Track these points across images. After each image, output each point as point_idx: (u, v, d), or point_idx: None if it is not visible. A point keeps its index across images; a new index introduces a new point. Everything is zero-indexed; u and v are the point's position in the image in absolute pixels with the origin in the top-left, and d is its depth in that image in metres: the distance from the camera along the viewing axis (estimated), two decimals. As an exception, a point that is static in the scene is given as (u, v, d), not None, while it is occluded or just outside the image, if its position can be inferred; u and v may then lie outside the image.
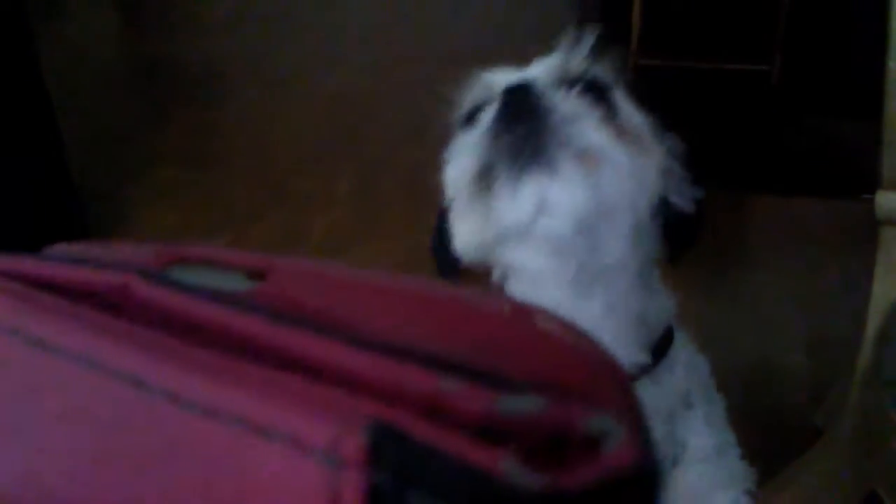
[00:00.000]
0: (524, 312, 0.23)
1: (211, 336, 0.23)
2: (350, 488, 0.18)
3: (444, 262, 0.77)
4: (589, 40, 0.72)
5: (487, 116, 0.65)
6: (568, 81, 0.66)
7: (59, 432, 0.23)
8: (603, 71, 0.70)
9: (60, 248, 0.31)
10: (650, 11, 2.78)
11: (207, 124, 2.85)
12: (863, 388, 1.03)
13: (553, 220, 0.63)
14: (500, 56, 3.19)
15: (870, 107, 1.63)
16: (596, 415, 0.20)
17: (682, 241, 0.74)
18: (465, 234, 0.70)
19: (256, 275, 0.26)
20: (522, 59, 0.84)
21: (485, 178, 0.64)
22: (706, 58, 2.82)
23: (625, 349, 0.71)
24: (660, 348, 0.74)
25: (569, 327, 0.23)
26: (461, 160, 0.68)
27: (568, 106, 0.63)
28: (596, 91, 0.67)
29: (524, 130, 0.61)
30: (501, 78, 0.70)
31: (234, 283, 0.26)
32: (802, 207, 2.26)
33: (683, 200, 0.74)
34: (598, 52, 0.71)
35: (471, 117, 0.70)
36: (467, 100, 0.73)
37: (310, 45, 3.41)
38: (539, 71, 0.68)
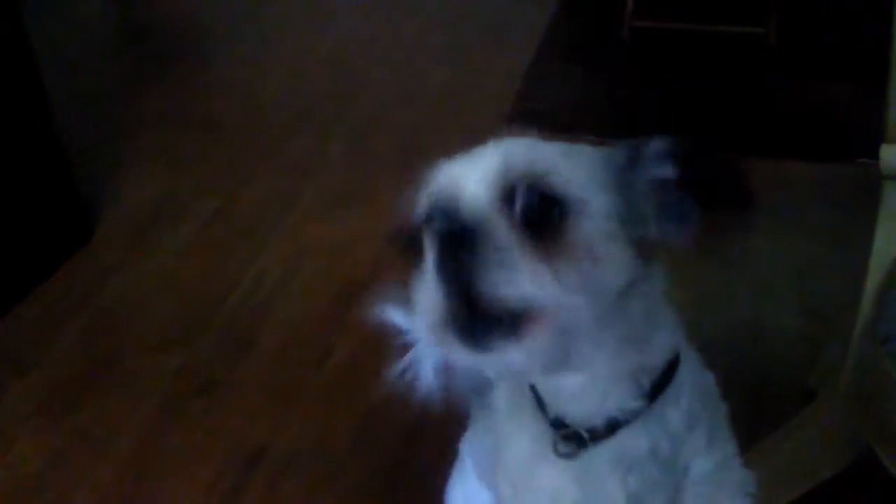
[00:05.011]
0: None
1: None
2: None
3: None
4: (531, 134, 0.65)
5: (429, 261, 0.59)
6: (510, 199, 0.59)
7: None
8: (552, 171, 0.60)
9: None
10: (646, -27, 2.75)
11: (196, 85, 2.81)
12: (860, 344, 1.02)
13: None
14: (487, 18, 3.16)
15: (866, 70, 1.62)
16: None
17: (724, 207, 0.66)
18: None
19: None
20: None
21: (442, 328, 0.59)
22: (702, 20, 2.79)
23: (616, 401, 0.68)
24: (659, 386, 0.70)
25: None
26: (423, 293, 0.61)
27: (504, 255, 0.56)
28: (542, 205, 0.59)
29: (463, 301, 0.56)
30: (452, 181, 0.62)
31: None
32: (797, 171, 2.24)
33: (676, 230, 0.65)
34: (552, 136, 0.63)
35: (426, 221, 0.63)
36: (425, 197, 0.65)
37: (298, 6, 3.36)
38: (481, 185, 0.60)
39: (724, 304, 1.81)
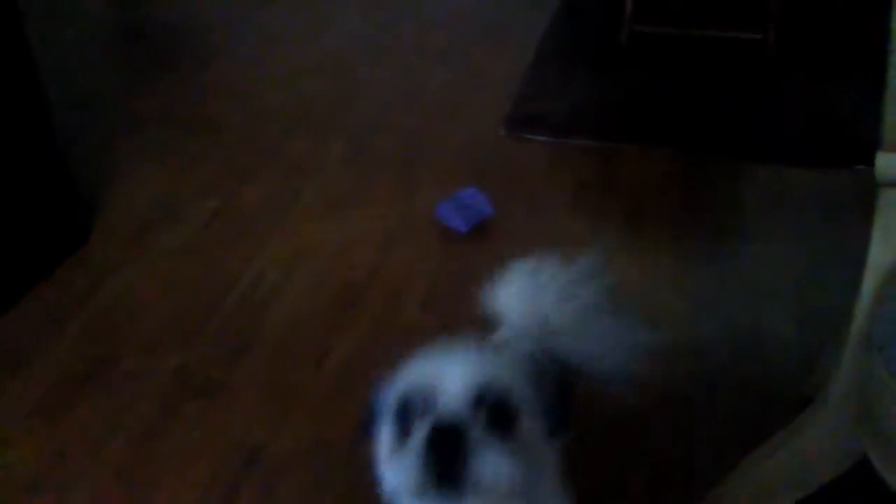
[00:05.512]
0: None
1: None
2: None
3: None
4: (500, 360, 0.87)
5: (416, 442, 0.79)
6: (481, 404, 0.81)
7: None
8: (511, 387, 0.83)
9: None
10: (646, -23, 2.76)
11: (195, 86, 2.81)
12: (855, 352, 1.02)
13: None
14: (487, 20, 3.16)
15: (864, 77, 1.62)
16: None
17: (555, 425, 0.88)
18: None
19: None
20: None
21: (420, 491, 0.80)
22: (701, 26, 2.79)
23: None
24: None
25: None
26: (400, 465, 0.81)
27: (479, 442, 0.78)
28: (503, 411, 0.82)
29: (448, 474, 0.77)
30: (431, 379, 0.83)
31: None
32: (796, 177, 2.25)
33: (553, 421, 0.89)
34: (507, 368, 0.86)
35: (401, 414, 0.83)
36: (401, 388, 0.84)
37: (298, 7, 3.37)
38: (458, 392, 0.81)
39: (722, 309, 1.81)
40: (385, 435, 0.85)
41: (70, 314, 1.86)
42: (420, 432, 0.79)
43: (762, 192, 2.25)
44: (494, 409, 0.81)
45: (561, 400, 0.89)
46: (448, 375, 0.82)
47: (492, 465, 0.78)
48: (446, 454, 0.77)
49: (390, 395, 0.85)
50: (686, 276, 1.92)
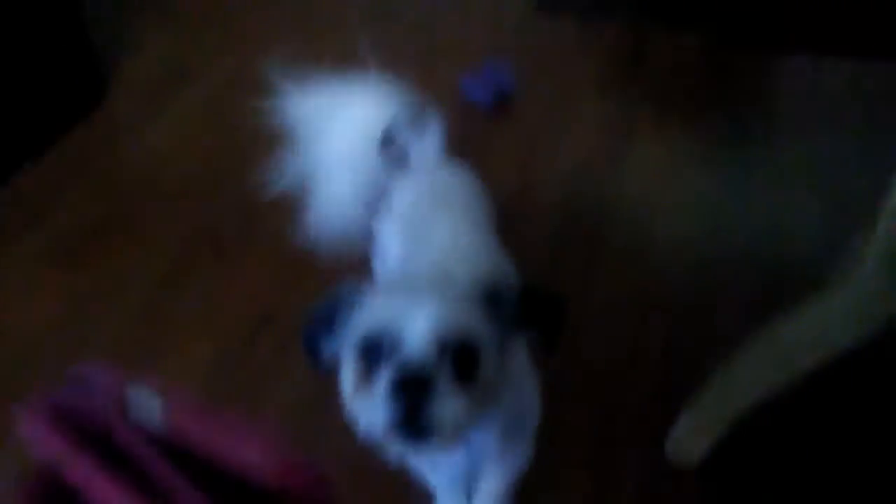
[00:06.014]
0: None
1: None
2: None
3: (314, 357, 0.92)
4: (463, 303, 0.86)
5: (381, 389, 0.82)
6: (445, 351, 0.82)
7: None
8: (467, 329, 0.85)
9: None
10: None
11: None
12: (891, 217, 1.00)
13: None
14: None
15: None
16: None
17: (548, 342, 0.91)
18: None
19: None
20: None
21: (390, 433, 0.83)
22: None
23: None
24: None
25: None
26: (365, 407, 0.84)
27: (442, 390, 0.81)
28: (465, 351, 0.84)
29: (412, 419, 0.81)
30: (396, 321, 0.83)
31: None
32: (832, 68, 2.17)
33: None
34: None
35: (366, 353, 0.84)
36: (366, 325, 0.85)
37: None
38: (422, 341, 0.82)
39: (747, 194, 1.78)
40: (349, 370, 0.86)
41: (86, 171, 1.85)
42: (385, 379, 0.81)
43: (796, 81, 2.18)
44: (457, 355, 0.83)
45: (556, 319, 0.91)
46: (412, 317, 0.83)
47: (454, 411, 0.81)
48: (411, 406, 0.80)
49: (355, 330, 0.86)
50: (712, 159, 1.88)
